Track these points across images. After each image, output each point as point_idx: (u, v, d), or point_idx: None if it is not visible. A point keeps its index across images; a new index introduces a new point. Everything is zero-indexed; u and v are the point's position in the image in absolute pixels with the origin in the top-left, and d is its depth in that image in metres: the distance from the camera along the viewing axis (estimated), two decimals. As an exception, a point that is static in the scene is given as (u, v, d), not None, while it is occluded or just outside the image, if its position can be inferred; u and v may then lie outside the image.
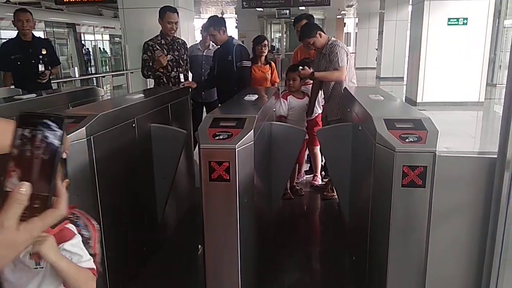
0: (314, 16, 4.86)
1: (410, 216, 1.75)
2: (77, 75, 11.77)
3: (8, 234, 0.54)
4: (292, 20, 5.86)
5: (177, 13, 3.95)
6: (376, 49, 16.81)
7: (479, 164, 1.69)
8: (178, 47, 4.09)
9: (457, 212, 1.76)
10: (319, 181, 4.20)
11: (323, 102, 3.88)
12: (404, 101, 9.61)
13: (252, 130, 1.89)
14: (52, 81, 4.74)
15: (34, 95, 3.07)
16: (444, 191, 1.70)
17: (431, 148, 1.66)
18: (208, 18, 4.09)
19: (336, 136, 2.81)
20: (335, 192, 3.75)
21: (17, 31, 4.25)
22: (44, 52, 4.34)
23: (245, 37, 20.32)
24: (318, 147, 3.96)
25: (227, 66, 3.91)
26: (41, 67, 4.27)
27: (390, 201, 1.73)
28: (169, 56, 3.97)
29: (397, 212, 1.74)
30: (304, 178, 4.41)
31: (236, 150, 1.79)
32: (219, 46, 4.06)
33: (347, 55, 3.44)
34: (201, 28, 4.67)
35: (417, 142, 1.69)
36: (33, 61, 4.23)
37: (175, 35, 4.08)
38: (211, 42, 4.70)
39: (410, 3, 11.96)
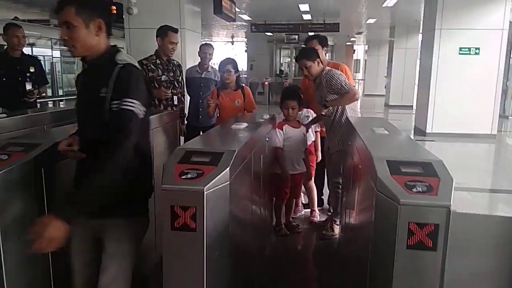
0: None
1: (417, 284, 1.41)
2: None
3: None
4: (302, 45, 5.52)
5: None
6: (386, 77, 16.60)
7: (504, 225, 1.35)
8: (174, 68, 3.88)
9: (478, 281, 1.41)
10: (317, 216, 3.85)
11: (316, 129, 3.76)
12: (413, 131, 9.35)
13: (228, 168, 1.58)
14: (41, 100, 4.56)
15: (4, 115, 2.81)
16: (460, 255, 1.37)
17: (445, 201, 1.33)
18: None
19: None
20: (335, 231, 3.41)
21: (6, 47, 4.10)
22: (32, 70, 4.20)
23: (254, 61, 20.27)
24: (312, 181, 3.71)
25: (94, 103, 1.60)
26: (28, 86, 4.10)
27: (393, 264, 1.39)
28: (163, 77, 3.77)
29: (400, 278, 1.40)
30: (303, 212, 4.05)
31: (205, 193, 1.47)
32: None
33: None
34: (198, 50, 4.43)
35: (427, 193, 1.37)
36: (19, 79, 4.07)
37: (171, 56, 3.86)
38: (209, 63, 4.47)
39: (421, 31, 11.78)
